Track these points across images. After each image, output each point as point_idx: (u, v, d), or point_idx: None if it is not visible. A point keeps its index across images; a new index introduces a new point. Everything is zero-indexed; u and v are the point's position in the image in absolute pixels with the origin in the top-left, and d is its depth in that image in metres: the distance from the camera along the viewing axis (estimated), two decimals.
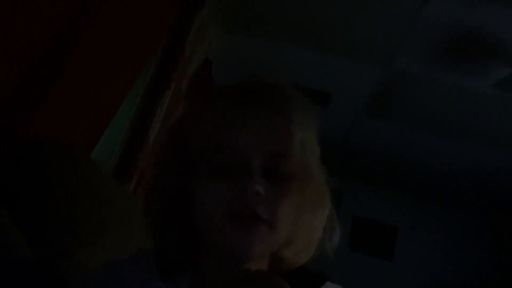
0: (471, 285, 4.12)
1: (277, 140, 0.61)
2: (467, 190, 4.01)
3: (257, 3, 2.30)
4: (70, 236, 0.86)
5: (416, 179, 4.12)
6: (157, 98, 1.85)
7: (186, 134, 0.64)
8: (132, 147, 1.78)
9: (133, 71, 1.51)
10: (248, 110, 0.61)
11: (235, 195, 0.58)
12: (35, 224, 0.83)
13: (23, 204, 0.84)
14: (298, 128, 0.62)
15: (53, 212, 0.85)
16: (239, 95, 0.63)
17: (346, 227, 4.41)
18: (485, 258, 4.23)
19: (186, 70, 2.04)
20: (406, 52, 2.43)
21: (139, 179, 1.81)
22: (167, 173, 0.65)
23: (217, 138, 0.61)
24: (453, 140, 3.26)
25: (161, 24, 1.70)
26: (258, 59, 2.70)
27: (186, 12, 1.96)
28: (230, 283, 0.60)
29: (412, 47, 2.38)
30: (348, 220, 4.43)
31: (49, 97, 1.07)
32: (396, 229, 4.35)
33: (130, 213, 1.05)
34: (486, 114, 2.82)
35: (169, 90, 1.90)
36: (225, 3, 2.30)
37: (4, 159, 0.92)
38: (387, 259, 4.25)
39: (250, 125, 0.60)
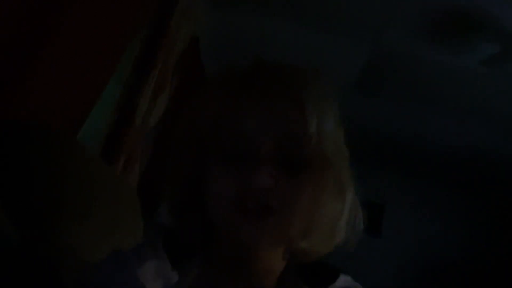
0: (458, 259, 4.20)
1: (289, 124, 0.56)
2: (454, 165, 4.06)
3: None
4: (55, 217, 0.83)
5: (402, 155, 4.14)
6: (144, 77, 1.81)
7: (194, 120, 0.61)
8: (119, 128, 1.74)
9: (118, 48, 1.47)
10: (257, 92, 0.57)
11: (242, 185, 0.54)
12: (19, 205, 0.80)
13: (6, 185, 0.81)
14: (314, 112, 0.56)
15: (37, 193, 0.83)
16: (246, 77, 0.59)
17: None
18: (471, 232, 4.31)
19: (173, 48, 2.00)
20: (395, 29, 2.41)
21: (127, 160, 1.78)
22: (183, 157, 0.62)
23: (223, 122, 0.57)
24: (440, 115, 3.28)
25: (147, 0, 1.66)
26: (246, 36, 2.66)
27: None
28: (242, 271, 0.59)
29: (400, 23, 2.36)
30: None
31: (32, 76, 1.03)
32: (383, 206, 4.39)
33: (117, 194, 1.03)
34: (474, 90, 2.83)
35: (156, 68, 1.86)
36: None
37: None
38: (375, 236, 4.30)
39: (259, 108, 0.56)
